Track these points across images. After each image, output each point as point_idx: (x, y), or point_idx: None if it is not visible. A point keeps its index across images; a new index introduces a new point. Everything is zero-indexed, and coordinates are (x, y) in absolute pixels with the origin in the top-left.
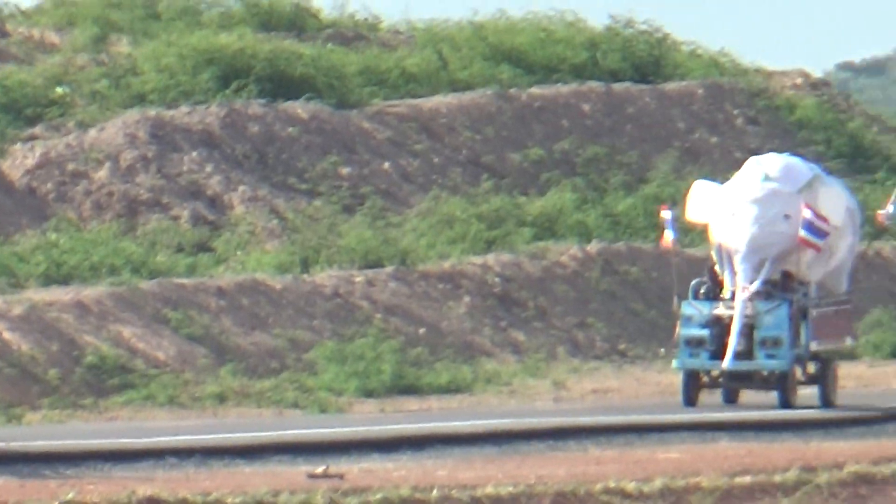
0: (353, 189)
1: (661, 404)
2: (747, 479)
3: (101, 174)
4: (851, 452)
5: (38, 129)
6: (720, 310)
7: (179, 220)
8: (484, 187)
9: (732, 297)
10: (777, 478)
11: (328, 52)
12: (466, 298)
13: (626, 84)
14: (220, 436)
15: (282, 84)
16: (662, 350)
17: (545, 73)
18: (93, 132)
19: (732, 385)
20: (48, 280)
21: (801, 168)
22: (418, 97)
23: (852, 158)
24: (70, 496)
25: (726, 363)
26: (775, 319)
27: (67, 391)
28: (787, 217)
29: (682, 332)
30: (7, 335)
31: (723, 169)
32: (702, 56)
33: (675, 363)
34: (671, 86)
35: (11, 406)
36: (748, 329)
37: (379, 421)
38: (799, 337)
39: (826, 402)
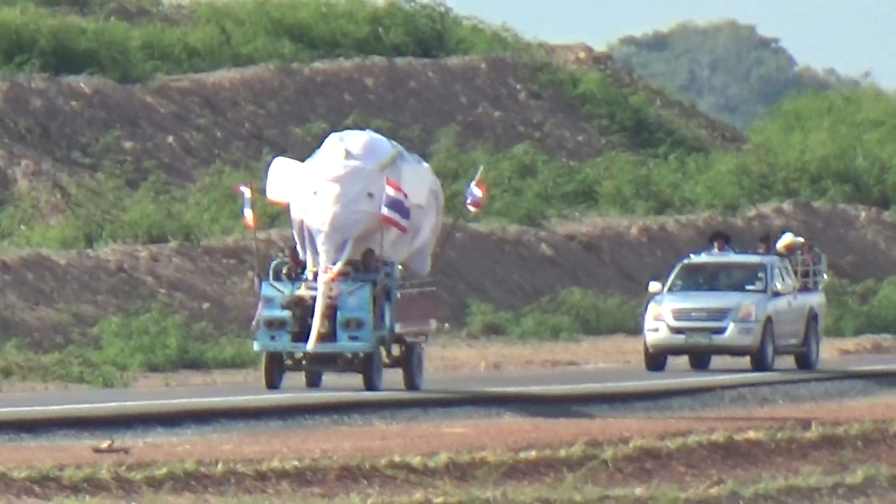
0: (137, 163)
1: (443, 379)
2: (532, 453)
3: None
4: (637, 427)
5: None
6: (302, 291)
7: None
8: (266, 161)
9: (315, 278)
10: (562, 452)
11: (111, 26)
12: (250, 273)
13: (409, 59)
14: (5, 410)
15: (65, 58)
16: (447, 325)
17: (328, 47)
18: None
19: (315, 368)
20: None
21: (384, 145)
22: (201, 72)
23: (636, 132)
24: None
25: (309, 345)
26: (358, 301)
27: None
28: (370, 195)
29: (262, 313)
30: None
31: (505, 143)
32: (484, 31)
33: (255, 346)
34: (454, 60)
35: None
36: (331, 310)
37: (164, 395)
38: (383, 319)
39: (411, 385)
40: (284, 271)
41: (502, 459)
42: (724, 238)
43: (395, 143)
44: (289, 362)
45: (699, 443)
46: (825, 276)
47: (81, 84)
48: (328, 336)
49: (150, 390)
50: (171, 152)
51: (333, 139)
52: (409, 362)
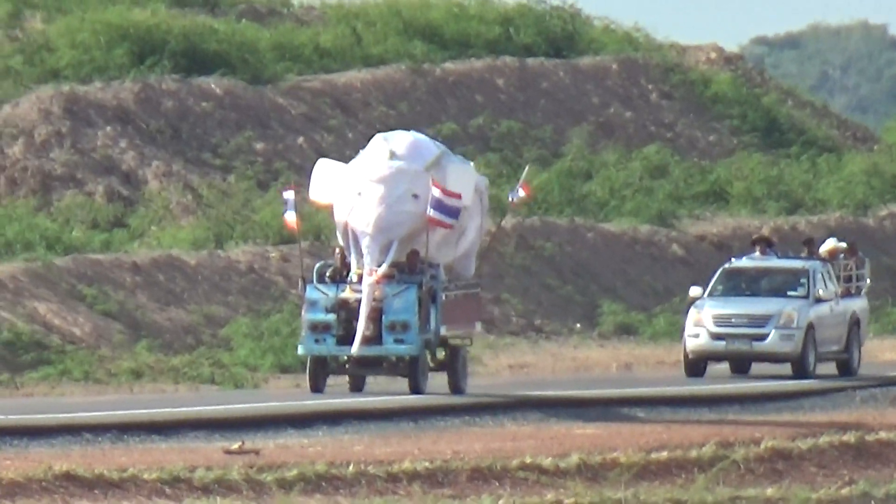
0: (267, 164)
1: (577, 380)
2: (664, 454)
3: (15, 150)
4: (768, 428)
5: None
6: (347, 293)
7: (94, 196)
8: None
9: (359, 280)
10: (694, 453)
11: (242, 27)
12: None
13: (540, 59)
14: (136, 412)
15: (196, 60)
16: (578, 326)
17: (459, 48)
18: (7, 108)
19: (360, 372)
20: None
21: (428, 145)
22: (332, 72)
23: (767, 133)
24: None
25: (354, 349)
26: (403, 303)
27: None
28: (415, 196)
29: (306, 316)
30: None
31: (637, 143)
32: (615, 31)
33: (299, 349)
34: (585, 61)
35: None
36: (376, 313)
37: (295, 396)
38: (428, 321)
39: (455, 388)
40: (329, 274)
41: (634, 460)
42: (766, 242)
43: (439, 143)
44: (333, 366)
45: (830, 443)
46: (868, 280)
47: (212, 85)
48: (373, 339)
49: (281, 392)
50: (302, 153)
51: (378, 139)
52: (454, 365)
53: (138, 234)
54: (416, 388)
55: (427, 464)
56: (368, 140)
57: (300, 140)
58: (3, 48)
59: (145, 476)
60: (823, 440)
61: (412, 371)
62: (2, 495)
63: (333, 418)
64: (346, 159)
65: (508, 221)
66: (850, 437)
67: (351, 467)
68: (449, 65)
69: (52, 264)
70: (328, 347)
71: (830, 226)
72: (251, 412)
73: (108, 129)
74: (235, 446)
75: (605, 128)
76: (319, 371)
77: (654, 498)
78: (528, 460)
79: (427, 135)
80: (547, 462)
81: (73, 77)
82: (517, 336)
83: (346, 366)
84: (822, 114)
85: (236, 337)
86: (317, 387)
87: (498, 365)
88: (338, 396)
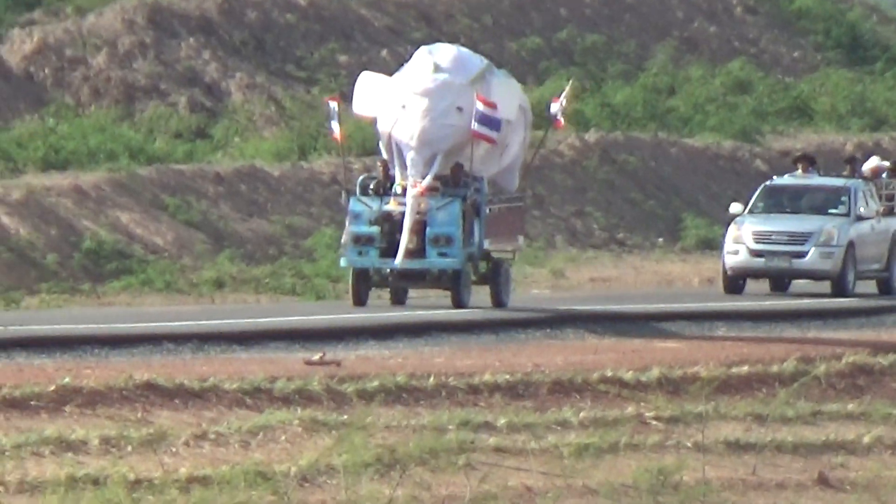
0: (351, 77)
1: (659, 293)
2: (745, 369)
3: (99, 60)
4: (849, 343)
5: (36, 15)
6: (391, 206)
7: (177, 107)
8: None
9: (403, 193)
10: (775, 368)
11: None
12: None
13: None
14: (217, 322)
15: None
16: (661, 240)
17: None
18: (91, 18)
19: (403, 284)
20: (46, 165)
21: (473, 59)
22: None
23: (851, 49)
24: (67, 381)
25: (398, 261)
26: (447, 216)
27: (65, 276)
28: (459, 109)
29: (350, 229)
30: (6, 220)
31: (721, 59)
32: None
33: (342, 262)
34: None
35: (10, 290)
36: (419, 226)
37: (376, 308)
38: (472, 235)
39: (498, 302)
40: (372, 186)
41: (714, 374)
42: (808, 160)
43: (483, 57)
44: (376, 278)
45: None
46: None
47: None
48: (417, 252)
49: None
50: (386, 66)
51: (422, 52)
52: (496, 279)
53: (221, 145)
54: (459, 302)
55: (508, 376)
56: None
57: (384, 52)
58: None
59: (226, 386)
60: None
61: (455, 284)
62: (83, 403)
63: (414, 330)
64: None
65: (591, 136)
66: None
67: (431, 379)
68: None
69: (135, 174)
70: (371, 260)
71: None
72: (332, 323)
73: (192, 40)
74: (316, 357)
75: (688, 43)
76: (362, 283)
77: (735, 412)
78: (608, 373)
79: (511, 48)
80: (628, 375)
81: None
82: (599, 249)
83: (389, 279)
84: None
85: (318, 248)
86: (360, 299)
87: (580, 278)
88: (416, 308)
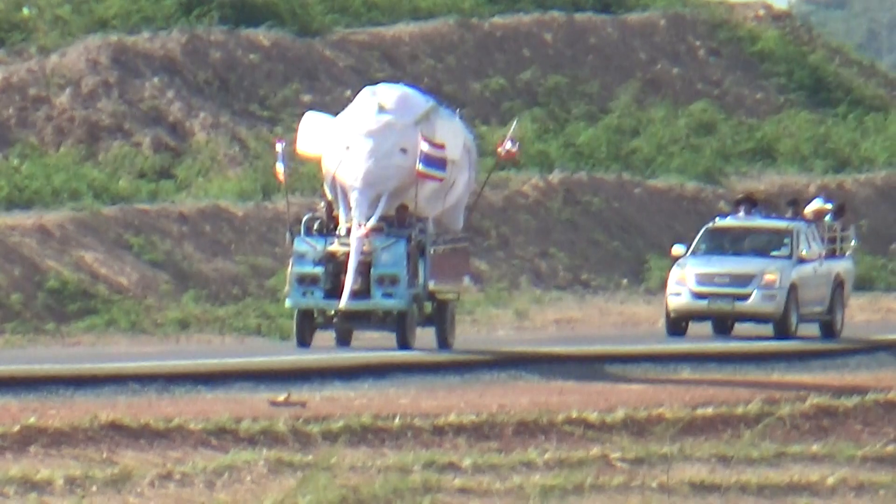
0: None
1: (623, 335)
2: (710, 410)
3: (63, 99)
4: (814, 385)
5: None
6: (335, 246)
7: (141, 147)
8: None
9: (348, 234)
10: (740, 409)
11: None
12: None
13: (588, 14)
14: (183, 362)
15: (244, 11)
16: (625, 281)
17: (507, 2)
18: (54, 57)
19: (348, 325)
20: (10, 204)
21: (417, 99)
22: (380, 25)
23: (814, 91)
24: (32, 421)
25: (342, 302)
26: (392, 257)
27: (29, 316)
28: (403, 150)
29: (294, 269)
30: None
31: (684, 100)
32: None
33: (287, 302)
34: (633, 16)
35: None
36: (364, 267)
37: (341, 349)
38: (417, 275)
39: (443, 343)
40: (317, 226)
41: (679, 416)
42: (751, 202)
43: (428, 97)
44: (320, 319)
45: (876, 401)
46: (854, 242)
47: (260, 37)
48: (362, 293)
49: (327, 344)
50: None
51: (366, 93)
52: (441, 320)
53: (185, 184)
54: (403, 343)
55: (473, 417)
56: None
57: (347, 93)
58: None
59: (191, 426)
60: (869, 398)
61: (400, 325)
62: (48, 444)
63: (379, 371)
64: None
65: (555, 177)
66: (895, 395)
67: (397, 420)
68: (497, 19)
69: (99, 213)
70: (316, 300)
71: (877, 184)
72: (297, 364)
73: (156, 79)
74: (281, 398)
75: (652, 84)
76: (306, 324)
77: (700, 453)
78: (573, 414)
79: (475, 89)
80: (593, 416)
81: (121, 27)
82: (564, 290)
83: (334, 319)
84: (870, 72)
85: (283, 288)
86: (303, 340)
87: (544, 319)
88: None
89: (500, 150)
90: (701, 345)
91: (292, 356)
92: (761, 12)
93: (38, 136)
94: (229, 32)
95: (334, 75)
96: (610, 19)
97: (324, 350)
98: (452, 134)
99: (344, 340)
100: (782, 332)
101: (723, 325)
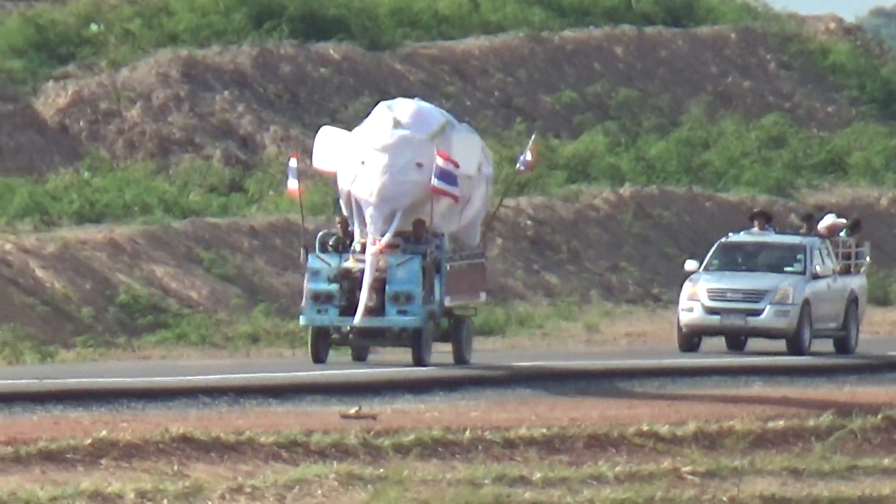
0: None
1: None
2: (781, 423)
3: (134, 113)
4: (886, 398)
5: (70, 68)
6: (350, 263)
7: (211, 160)
8: (516, 130)
9: (363, 250)
10: (811, 422)
11: None
12: (499, 241)
13: (659, 28)
14: (253, 375)
15: (314, 25)
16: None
17: (577, 16)
18: (125, 71)
19: (363, 342)
20: (81, 218)
21: (433, 114)
22: (450, 39)
23: (885, 104)
24: (103, 434)
25: (357, 320)
26: (407, 273)
27: (100, 330)
28: (419, 165)
29: (309, 286)
30: (40, 273)
31: (755, 113)
32: (734, 0)
33: (301, 320)
34: (704, 30)
35: (45, 344)
36: (379, 283)
37: (412, 362)
38: (432, 292)
39: (459, 359)
40: (331, 243)
41: (750, 429)
42: (765, 217)
43: (444, 111)
44: (335, 336)
45: None
46: (868, 259)
47: (330, 51)
48: (376, 310)
49: (399, 358)
50: None
51: (382, 108)
52: (458, 336)
53: (256, 198)
54: (419, 360)
55: (544, 430)
56: (487, 107)
57: None
58: (122, 11)
59: (262, 439)
60: None
61: (416, 342)
62: (119, 457)
63: (450, 384)
64: None
65: (626, 190)
66: None
67: (467, 433)
68: (567, 32)
69: (169, 227)
70: (330, 318)
71: None
72: (368, 377)
73: (226, 93)
74: (353, 411)
75: (723, 97)
76: (321, 342)
77: (771, 466)
78: (644, 427)
79: (545, 103)
80: (663, 429)
81: (192, 41)
82: (634, 304)
83: (349, 336)
84: None
85: None
86: (318, 357)
87: (615, 332)
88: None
89: (518, 165)
90: (773, 359)
91: (363, 369)
92: (832, 25)
93: (108, 149)
94: (299, 46)
95: (404, 89)
96: (680, 32)
97: (395, 364)
98: (469, 149)
99: (361, 357)
100: (796, 348)
101: (736, 341)
